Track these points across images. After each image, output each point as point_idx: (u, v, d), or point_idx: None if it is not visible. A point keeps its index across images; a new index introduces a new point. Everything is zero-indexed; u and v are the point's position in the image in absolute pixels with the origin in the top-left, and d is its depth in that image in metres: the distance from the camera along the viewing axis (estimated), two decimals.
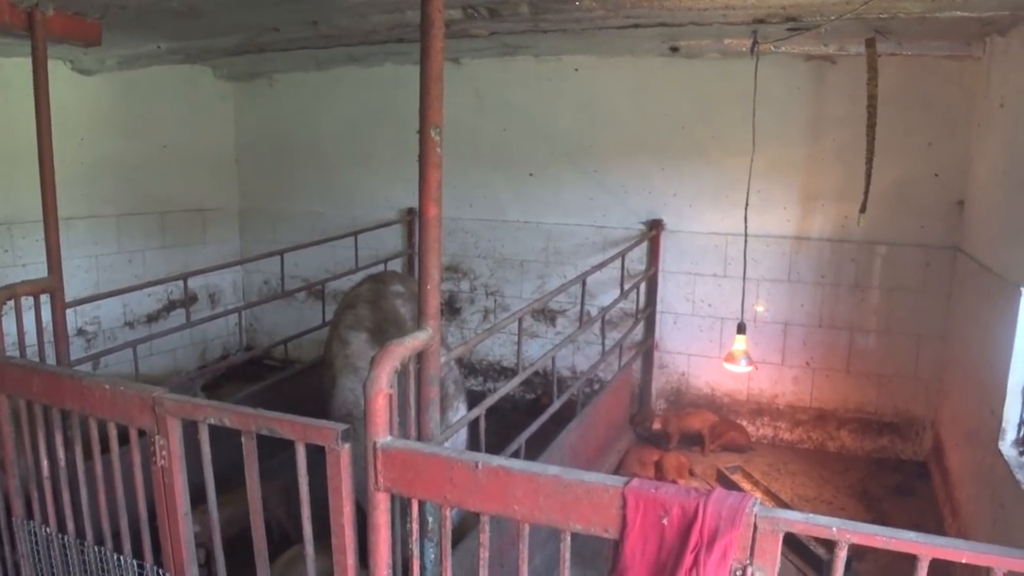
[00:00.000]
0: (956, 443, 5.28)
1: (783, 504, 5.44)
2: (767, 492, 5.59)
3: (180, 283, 6.82)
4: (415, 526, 2.63)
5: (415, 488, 2.53)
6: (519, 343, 4.31)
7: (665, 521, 2.21)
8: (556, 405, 4.73)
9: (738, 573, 2.17)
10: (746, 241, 5.72)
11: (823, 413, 6.49)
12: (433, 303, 2.87)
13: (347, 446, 2.60)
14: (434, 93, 2.77)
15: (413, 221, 7.46)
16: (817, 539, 4.83)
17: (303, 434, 2.69)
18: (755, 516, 2.15)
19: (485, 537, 2.50)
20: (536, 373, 7.17)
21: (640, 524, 2.24)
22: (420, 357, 2.85)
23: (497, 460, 2.41)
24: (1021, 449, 3.95)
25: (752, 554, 2.16)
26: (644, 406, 6.85)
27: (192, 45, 6.03)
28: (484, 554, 2.52)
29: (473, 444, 4.01)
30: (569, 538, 2.38)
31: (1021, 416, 4.01)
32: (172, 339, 7.45)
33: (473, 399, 4.50)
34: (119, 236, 7.28)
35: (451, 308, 7.54)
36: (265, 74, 7.97)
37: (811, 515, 2.17)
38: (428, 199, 2.83)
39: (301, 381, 5.95)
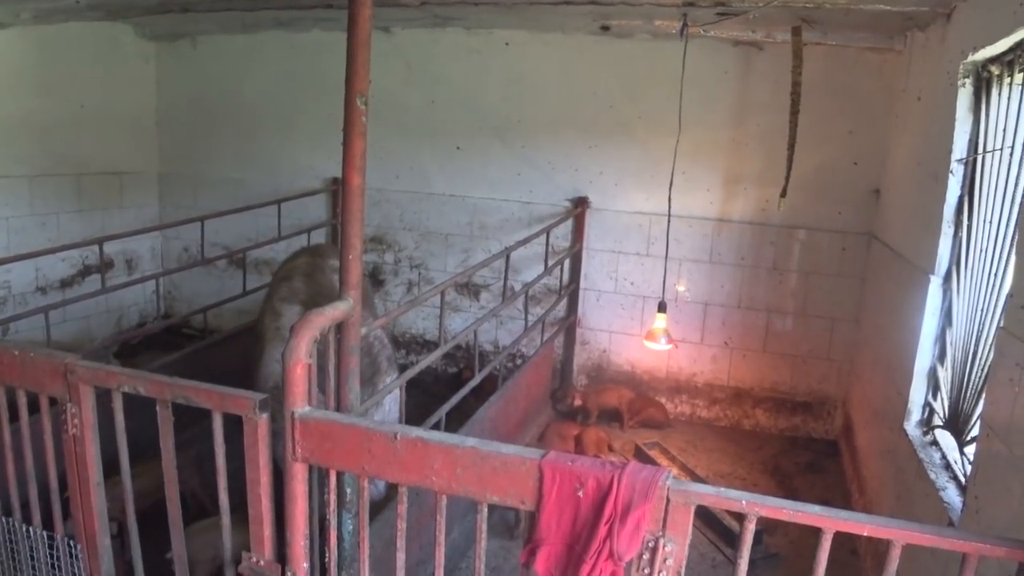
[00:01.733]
0: (865, 423, 5.48)
1: (698, 479, 5.57)
2: (683, 467, 5.71)
3: (95, 248, 6.61)
4: (332, 497, 2.61)
5: (333, 459, 2.52)
6: (441, 316, 4.29)
7: (580, 493, 2.24)
8: (477, 379, 4.74)
9: (650, 544, 2.22)
10: (669, 221, 5.80)
11: (740, 392, 6.66)
12: (355, 273, 2.84)
13: (265, 416, 2.57)
14: (360, 60, 2.73)
15: (338, 191, 7.35)
16: (731, 513, 4.98)
17: (220, 403, 2.64)
18: (668, 489, 2.20)
19: (403, 508, 2.50)
20: (459, 347, 7.21)
21: (556, 496, 2.26)
22: (340, 327, 2.82)
23: (415, 431, 2.41)
24: (924, 429, 4.11)
25: (664, 526, 2.21)
26: (565, 382, 6.93)
27: (113, 0, 5.81)
28: (402, 525, 2.52)
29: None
30: (486, 510, 2.40)
31: (925, 398, 4.18)
32: (87, 306, 7.25)
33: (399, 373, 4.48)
34: (32, 198, 6.99)
35: (375, 280, 7.47)
36: (189, 35, 7.72)
37: (722, 489, 2.23)
38: (352, 168, 2.79)
39: (221, 351, 5.84)
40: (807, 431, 6.56)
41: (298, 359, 2.50)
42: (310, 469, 2.63)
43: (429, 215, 7.21)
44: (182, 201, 8.11)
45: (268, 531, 2.68)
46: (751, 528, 2.19)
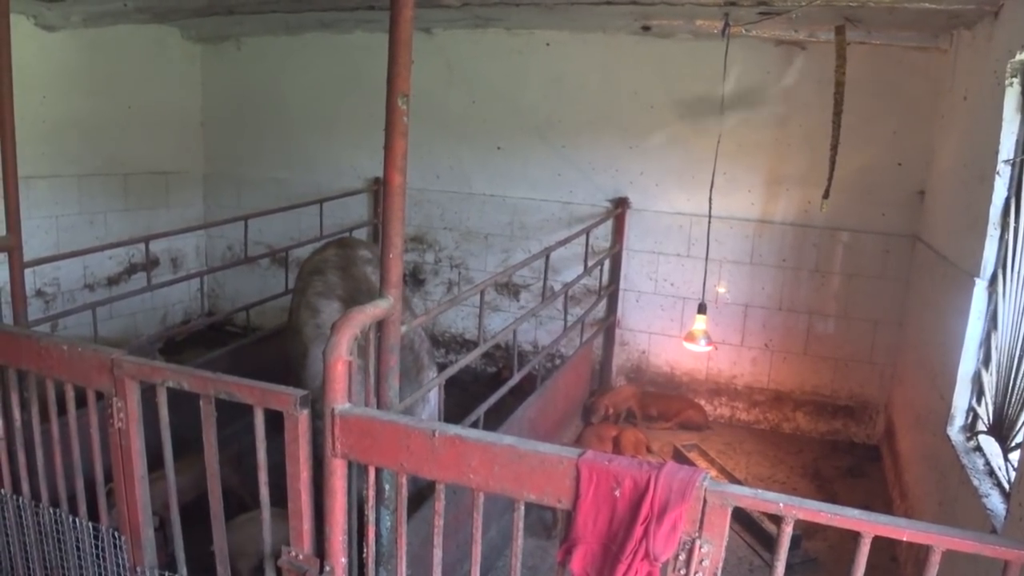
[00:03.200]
0: (907, 427, 5.40)
1: (736, 482, 5.53)
2: (722, 470, 5.68)
3: (142, 246, 6.75)
4: (371, 492, 2.64)
5: (372, 455, 2.55)
6: (480, 314, 4.33)
7: (617, 493, 2.25)
8: (516, 378, 4.76)
9: (687, 545, 2.21)
10: (710, 222, 5.77)
11: (780, 395, 6.60)
12: (395, 271, 2.87)
13: (305, 412, 2.61)
14: (402, 61, 2.75)
15: (379, 191, 7.43)
16: (768, 516, 4.95)
17: (262, 399, 2.68)
18: (705, 490, 2.19)
19: (440, 505, 2.53)
20: (498, 347, 7.23)
21: (593, 495, 2.27)
22: (380, 325, 2.86)
23: (454, 429, 2.43)
24: (968, 435, 4.05)
25: (701, 527, 2.20)
26: (604, 383, 6.92)
27: (160, 4, 5.93)
28: (439, 522, 2.55)
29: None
30: (523, 508, 2.41)
31: (969, 403, 4.11)
32: (132, 303, 7.39)
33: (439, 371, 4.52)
34: (80, 197, 7.16)
35: (415, 279, 7.53)
36: (233, 37, 7.85)
37: (759, 491, 2.22)
38: (393, 168, 2.82)
39: (263, 348, 5.93)
40: (848, 435, 6.48)
41: (339, 356, 2.53)
42: (349, 465, 2.66)
43: (469, 215, 7.25)
44: (226, 201, 8.25)
45: (307, 525, 2.72)
46: (788, 531, 2.18)
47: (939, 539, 2.05)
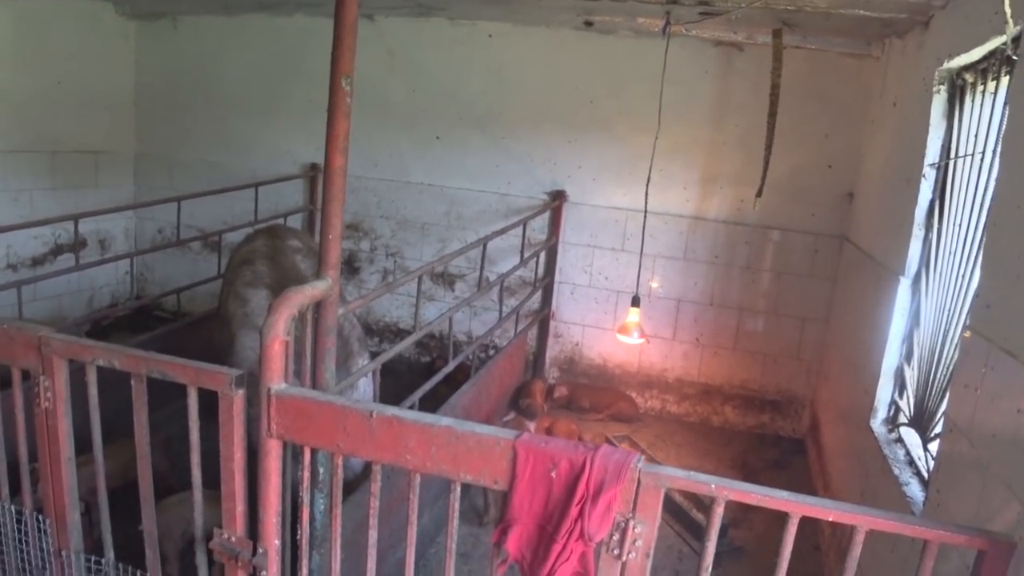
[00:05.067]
0: (831, 421, 5.57)
1: None
2: (652, 461, 5.76)
3: (68, 227, 6.55)
4: (306, 474, 2.62)
5: (308, 436, 2.53)
6: (417, 301, 4.31)
7: (553, 474, 2.27)
8: (451, 366, 4.76)
9: (621, 526, 2.25)
10: (646, 218, 5.86)
11: (709, 388, 6.74)
12: (334, 253, 2.85)
13: (241, 392, 2.58)
14: (347, 43, 2.73)
15: (316, 177, 7.35)
16: (696, 506, 5.05)
17: (196, 379, 2.64)
18: (639, 472, 2.24)
19: (376, 487, 2.52)
20: (432, 336, 7.23)
21: (529, 476, 2.29)
22: (318, 307, 2.84)
23: (391, 410, 2.43)
24: (889, 427, 4.19)
25: (635, 508, 2.25)
26: (538, 373, 6.96)
27: None
28: (375, 503, 2.54)
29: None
30: (459, 488, 2.42)
31: (892, 396, 4.26)
32: (58, 285, 7.18)
33: (373, 358, 4.49)
34: (5, 174, 6.91)
35: (350, 267, 7.47)
36: (170, 15, 7.66)
37: (692, 472, 2.27)
38: (335, 149, 2.80)
39: (192, 333, 5.81)
40: (775, 429, 6.65)
41: (276, 335, 2.51)
42: (284, 448, 2.64)
43: (406, 204, 7.22)
44: (157, 183, 8.05)
45: (241, 507, 2.69)
46: (720, 512, 2.24)
47: (863, 519, 2.13)
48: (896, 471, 3.65)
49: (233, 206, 7.44)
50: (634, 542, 2.26)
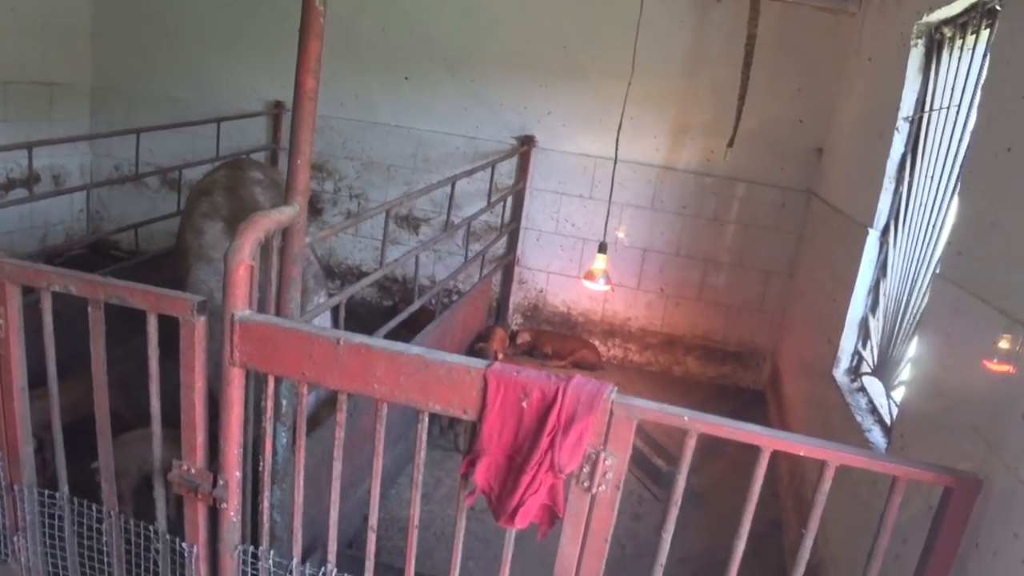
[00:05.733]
0: (793, 373, 5.62)
1: None
2: None
3: (22, 159, 6.31)
4: (269, 404, 2.56)
5: (272, 364, 2.46)
6: (384, 236, 4.20)
7: (524, 404, 2.24)
8: (415, 306, 4.69)
9: (592, 458, 2.23)
10: (615, 165, 5.81)
11: (672, 338, 6.77)
12: (302, 179, 2.75)
13: (203, 319, 2.50)
14: None
15: (280, 115, 7.17)
16: (656, 452, 5.09)
17: (156, 304, 2.56)
18: (612, 403, 2.21)
19: (342, 416, 2.47)
20: (395, 280, 7.16)
21: (500, 406, 2.26)
22: (285, 234, 2.75)
23: (359, 338, 2.37)
24: (852, 376, 4.23)
25: (606, 440, 2.22)
26: (501, 320, 6.93)
27: None
28: (340, 434, 2.49)
29: None
30: (427, 418, 2.38)
31: (855, 346, 4.30)
32: (9, 220, 6.98)
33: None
34: None
35: (312, 208, 7.32)
36: None
37: (664, 405, 2.25)
38: (306, 71, 2.69)
39: (149, 271, 5.62)
40: (735, 380, 6.71)
41: (241, 260, 2.42)
42: (247, 377, 2.57)
43: (372, 145, 7.08)
44: (115, 118, 7.77)
45: (201, 438, 2.62)
46: (692, 444, 2.23)
47: (833, 455, 2.13)
48: (858, 418, 3.69)
49: (194, 143, 7.24)
50: (604, 474, 2.25)
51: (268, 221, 2.55)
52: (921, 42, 4.05)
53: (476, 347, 5.88)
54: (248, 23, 7.15)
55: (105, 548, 3.03)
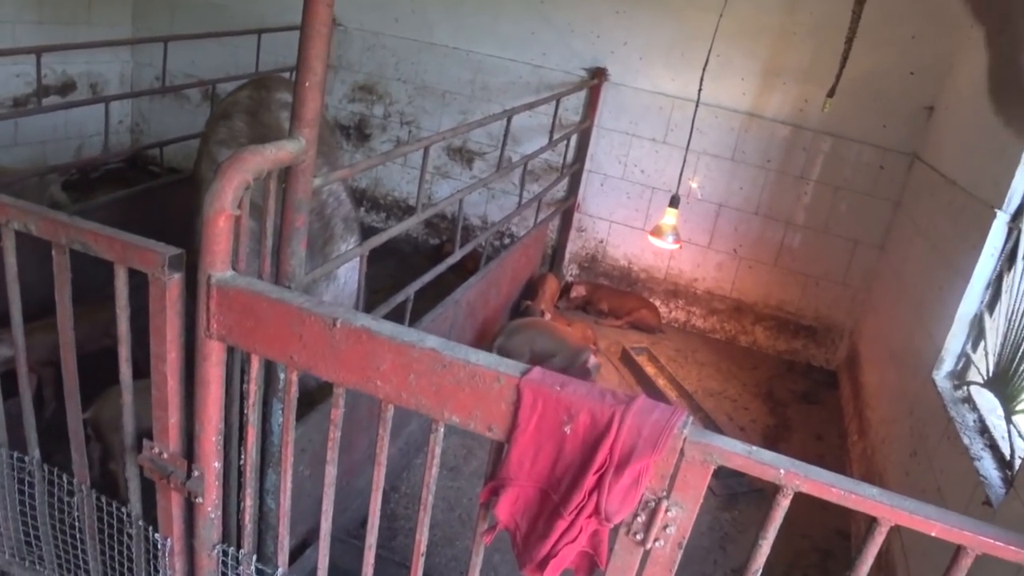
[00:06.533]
0: (876, 360, 4.97)
1: (686, 394, 5.11)
2: (671, 379, 5.25)
3: (56, 65, 5.83)
4: (252, 387, 2.06)
5: (255, 341, 1.96)
6: (421, 175, 3.59)
7: (567, 429, 1.70)
8: (458, 255, 4.15)
9: (650, 505, 1.70)
10: (697, 108, 5.15)
11: (741, 305, 6.13)
12: (312, 105, 2.20)
13: (177, 276, 1.99)
14: None
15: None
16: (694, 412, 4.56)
17: (123, 255, 2.05)
18: (684, 440, 1.66)
19: (338, 413, 1.96)
20: (444, 218, 6.63)
21: (535, 428, 1.72)
22: (287, 174, 2.21)
23: (361, 319, 1.84)
24: (956, 383, 3.60)
25: (671, 486, 1.68)
26: (555, 269, 6.36)
27: None
28: (335, 434, 1.99)
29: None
30: (442, 431, 1.86)
31: (963, 348, 3.65)
32: (43, 129, 6.59)
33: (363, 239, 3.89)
34: None
35: (360, 133, 6.78)
36: None
37: (754, 449, 1.69)
38: None
39: (175, 193, 5.18)
40: (807, 357, 6.07)
41: (221, 208, 1.89)
42: (229, 352, 2.07)
43: (427, 68, 6.46)
44: (157, 25, 7.27)
45: (175, 418, 2.15)
46: (784, 505, 1.67)
47: (978, 540, 1.56)
48: (965, 440, 3.08)
49: (237, 55, 6.71)
50: (665, 527, 1.71)
51: (259, 159, 2.00)
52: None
53: (522, 305, 5.33)
54: None
55: (77, 524, 2.61)
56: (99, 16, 7.12)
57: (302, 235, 2.31)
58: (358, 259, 3.39)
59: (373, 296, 3.92)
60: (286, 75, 6.04)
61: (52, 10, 6.67)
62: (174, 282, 2.01)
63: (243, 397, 2.14)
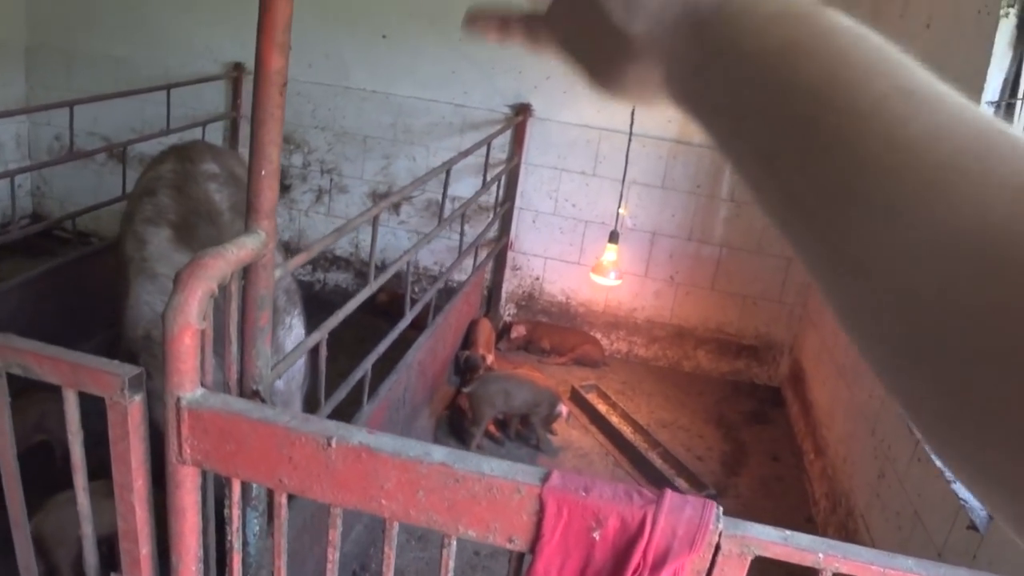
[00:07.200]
0: (824, 376, 5.00)
1: (640, 429, 5.05)
2: (624, 416, 5.18)
3: None
4: (235, 512, 1.88)
5: (237, 465, 1.78)
6: (373, 245, 3.49)
7: (596, 535, 1.59)
8: (409, 317, 3.99)
9: None
10: (631, 139, 5.13)
11: (682, 331, 6.12)
12: (269, 196, 2.06)
13: (138, 398, 1.81)
14: None
15: (240, 79, 6.34)
16: (652, 447, 4.54)
17: (73, 379, 1.85)
18: (719, 534, 1.57)
19: (336, 535, 1.80)
20: (376, 267, 6.42)
21: (561, 537, 1.61)
22: (247, 272, 2.04)
23: (358, 435, 1.69)
24: None
25: None
26: (492, 311, 6.24)
27: None
28: (333, 555, 1.83)
29: (313, 371, 3.24)
30: (455, 544, 1.72)
31: None
32: None
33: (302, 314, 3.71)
34: None
35: (279, 184, 6.53)
36: None
37: (789, 534, 1.61)
38: (270, 43, 1.96)
39: (99, 262, 4.87)
40: (750, 376, 6.10)
41: (186, 324, 1.72)
42: (203, 475, 1.89)
43: (346, 113, 6.27)
44: (53, 81, 6.89)
45: (146, 549, 1.95)
46: None
47: None
48: (941, 463, 3.08)
49: (144, 110, 6.39)
50: None
51: (222, 263, 1.83)
52: (1014, 11, 3.37)
53: (460, 356, 5.18)
54: None
55: None
56: None
57: (266, 333, 2.14)
58: (301, 329, 3.23)
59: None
60: (200, 130, 5.82)
61: None
62: (135, 405, 1.82)
63: (221, 520, 1.96)
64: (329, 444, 1.67)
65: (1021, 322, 0.32)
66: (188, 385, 1.75)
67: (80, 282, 4.65)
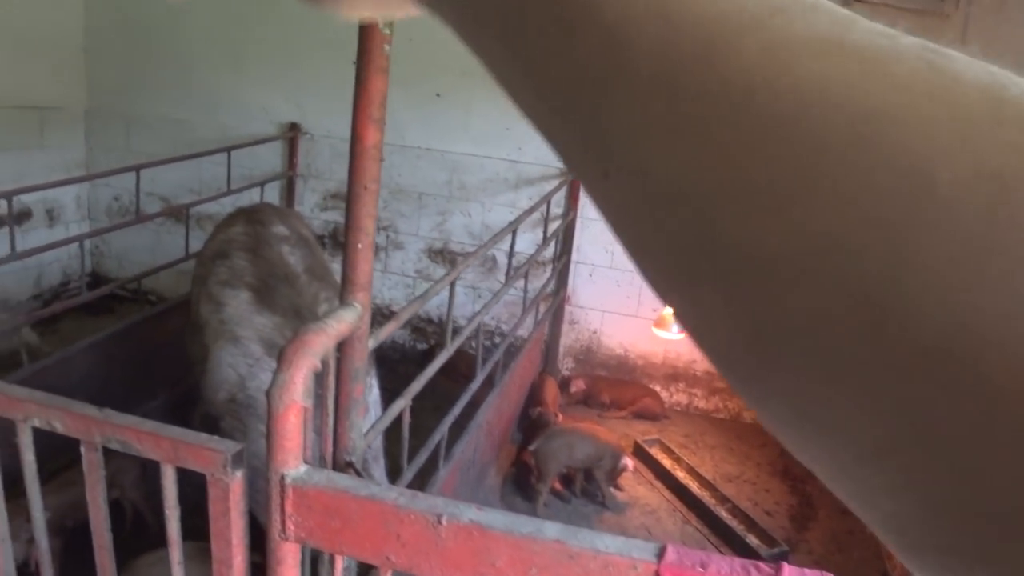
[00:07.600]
0: None
1: (707, 484, 4.95)
2: (690, 470, 5.09)
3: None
4: None
5: (342, 542, 1.76)
6: (449, 308, 3.46)
7: None
8: (478, 382, 3.93)
9: None
10: None
11: None
12: (364, 268, 2.07)
13: (239, 474, 1.80)
14: None
15: (296, 138, 6.45)
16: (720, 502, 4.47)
17: (173, 455, 1.85)
18: None
19: None
20: (430, 321, 6.45)
21: None
22: (341, 346, 2.04)
23: (469, 513, 1.66)
24: None
25: None
26: (551, 366, 6.20)
27: None
28: None
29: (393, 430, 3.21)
30: None
31: None
32: None
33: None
34: None
35: (335, 242, 6.60)
36: None
37: None
38: (366, 118, 2.01)
39: (161, 324, 4.94)
40: None
41: (291, 401, 1.71)
42: (304, 551, 1.87)
43: (401, 170, 6.34)
44: (113, 143, 7.06)
45: None
46: None
47: None
48: None
49: (201, 170, 6.51)
50: None
51: (324, 338, 1.83)
52: None
53: (532, 413, 5.14)
54: (256, 32, 6.39)
55: None
56: (52, 139, 6.87)
57: (360, 405, 2.12)
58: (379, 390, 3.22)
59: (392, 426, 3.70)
60: (259, 190, 5.91)
61: (2, 137, 6.41)
62: (237, 481, 1.81)
63: None
64: (439, 522, 1.64)
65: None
66: (292, 462, 1.74)
67: (144, 342, 4.71)
